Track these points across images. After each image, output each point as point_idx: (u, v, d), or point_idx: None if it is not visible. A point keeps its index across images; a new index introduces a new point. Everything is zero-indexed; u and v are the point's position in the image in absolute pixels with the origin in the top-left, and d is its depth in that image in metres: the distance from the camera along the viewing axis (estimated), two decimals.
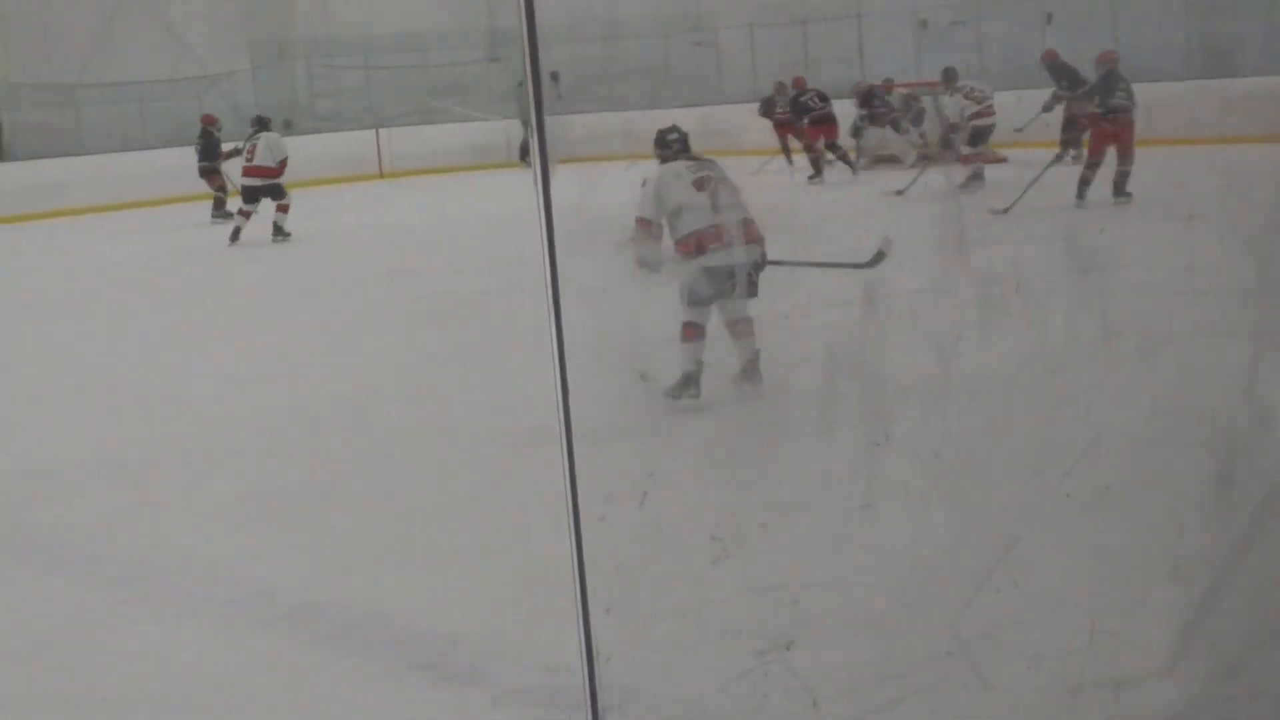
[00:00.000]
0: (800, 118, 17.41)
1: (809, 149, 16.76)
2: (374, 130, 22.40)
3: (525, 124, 23.64)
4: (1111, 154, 11.79)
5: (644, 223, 6.56)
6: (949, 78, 15.77)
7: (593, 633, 2.52)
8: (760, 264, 6.43)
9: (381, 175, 21.24)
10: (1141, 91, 13.38)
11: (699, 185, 6.65)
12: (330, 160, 19.68)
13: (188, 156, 18.85)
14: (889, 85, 16.94)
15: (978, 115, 14.95)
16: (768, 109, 18.28)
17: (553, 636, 3.84)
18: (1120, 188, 11.47)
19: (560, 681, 3.57)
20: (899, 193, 11.72)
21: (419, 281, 11.31)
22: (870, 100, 17.20)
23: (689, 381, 6.00)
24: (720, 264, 6.41)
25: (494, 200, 17.53)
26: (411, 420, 6.80)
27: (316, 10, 24.32)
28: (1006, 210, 10.83)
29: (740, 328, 6.36)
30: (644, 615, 2.78)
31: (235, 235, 15.01)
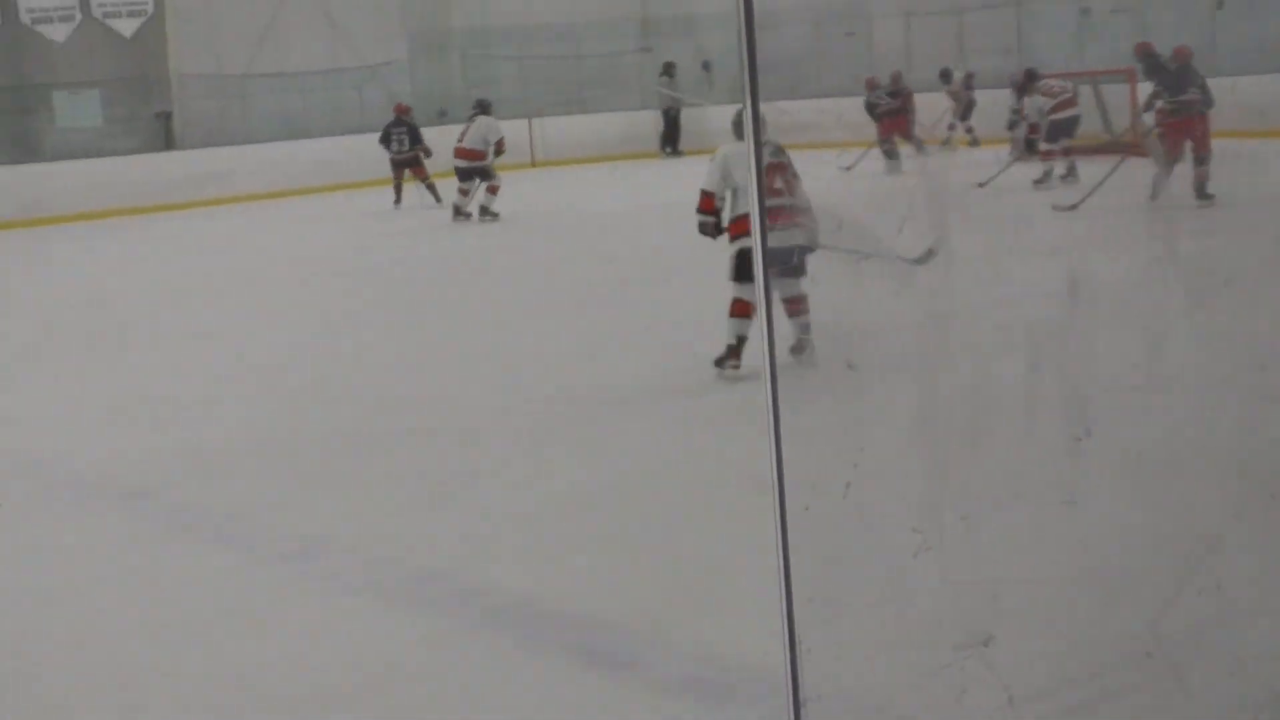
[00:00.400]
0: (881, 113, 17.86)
1: (880, 143, 17.22)
2: (526, 119, 22.61)
3: (665, 114, 23.68)
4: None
5: (707, 195, 7.21)
6: (1030, 77, 15.70)
7: (795, 623, 2.50)
8: (809, 248, 6.62)
9: (533, 164, 21.44)
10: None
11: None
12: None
13: (352, 145, 19.28)
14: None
15: (1056, 109, 14.77)
16: (870, 107, 18.59)
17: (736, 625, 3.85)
18: (1201, 189, 11.11)
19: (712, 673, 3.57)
20: (981, 185, 11.68)
21: (575, 267, 11.41)
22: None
23: (731, 353, 6.89)
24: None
25: (642, 189, 17.64)
26: (582, 402, 6.87)
27: (473, 2, 24.63)
28: (1073, 207, 10.65)
29: (792, 306, 6.84)
30: (845, 606, 2.75)
31: (456, 212, 15.69)
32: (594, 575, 4.48)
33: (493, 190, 15.59)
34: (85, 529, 5.38)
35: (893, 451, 2.81)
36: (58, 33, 20.90)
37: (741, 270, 6.97)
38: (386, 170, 17.96)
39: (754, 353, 6.76)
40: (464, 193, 15.61)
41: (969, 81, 20.24)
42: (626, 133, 24.01)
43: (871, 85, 18.57)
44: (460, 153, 15.65)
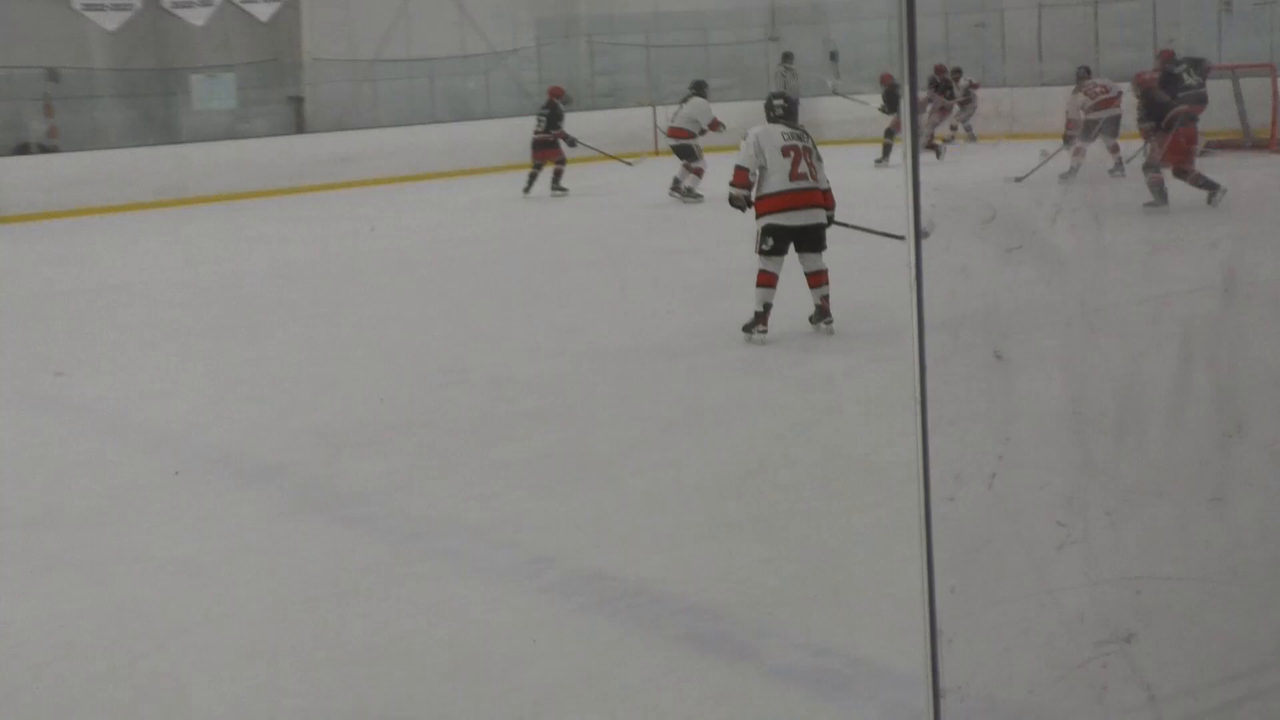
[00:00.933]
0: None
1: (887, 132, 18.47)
2: (651, 107, 22.66)
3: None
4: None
5: (740, 169, 7.99)
6: (1081, 75, 15.65)
7: (937, 613, 2.51)
8: (826, 224, 7.86)
9: (656, 152, 21.48)
10: None
11: (784, 152, 7.83)
12: (608, 137, 20.00)
13: (479, 130, 19.46)
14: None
15: (1095, 109, 14.71)
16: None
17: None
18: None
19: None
20: (1018, 179, 11.64)
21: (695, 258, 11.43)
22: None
23: (758, 319, 7.80)
24: (788, 224, 7.79)
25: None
26: (694, 392, 6.90)
27: None
28: (1020, 180, 11.40)
29: (815, 279, 7.95)
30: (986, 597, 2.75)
31: (675, 185, 15.84)
32: (719, 561, 4.50)
33: (696, 172, 15.74)
34: (217, 504, 5.53)
35: (1038, 444, 2.79)
36: (197, 17, 21.46)
37: (766, 244, 7.83)
38: (514, 156, 18.16)
39: (778, 316, 7.84)
40: (695, 171, 15.80)
41: (971, 85, 20.47)
42: (753, 121, 23.94)
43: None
44: (670, 132, 16.19)
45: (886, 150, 18.52)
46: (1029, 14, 23.26)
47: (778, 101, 8.33)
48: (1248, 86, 17.40)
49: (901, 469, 3.79)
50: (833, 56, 24.72)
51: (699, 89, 16.27)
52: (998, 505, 2.68)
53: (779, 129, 8.00)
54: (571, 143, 17.09)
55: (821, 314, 7.93)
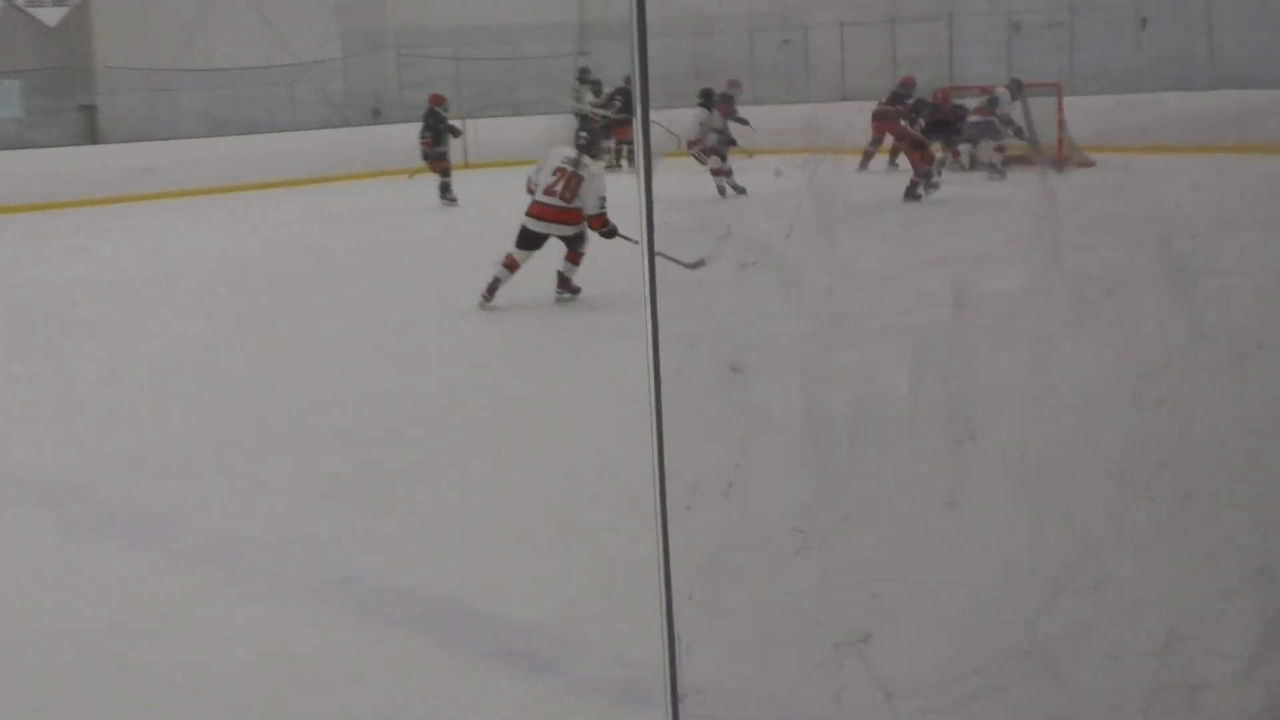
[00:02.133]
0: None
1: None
2: (460, 120, 22.57)
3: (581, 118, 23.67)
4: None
5: (529, 185, 9.85)
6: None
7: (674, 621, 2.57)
8: (583, 237, 9.73)
9: (467, 165, 21.38)
10: (1238, 98, 13.39)
11: (554, 172, 9.63)
12: (418, 150, 19.85)
13: (284, 142, 19.09)
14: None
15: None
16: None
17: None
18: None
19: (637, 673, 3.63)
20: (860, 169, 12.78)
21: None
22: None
23: (489, 289, 9.64)
24: (532, 228, 9.71)
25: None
26: (505, 407, 6.91)
27: (409, 1, 24.58)
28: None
29: (565, 267, 9.90)
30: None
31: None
32: (527, 575, 4.53)
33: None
34: (9, 528, 5.34)
35: (775, 453, 2.89)
36: None
37: (522, 239, 9.74)
38: (322, 168, 17.90)
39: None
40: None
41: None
42: (561, 136, 24.03)
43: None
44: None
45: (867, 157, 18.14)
46: (832, 31, 23.86)
47: (582, 134, 10.03)
48: (1036, 105, 18.16)
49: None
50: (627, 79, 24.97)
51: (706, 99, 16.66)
52: (735, 513, 2.76)
53: (563, 151, 9.80)
54: (456, 133, 16.94)
55: (562, 282, 9.93)
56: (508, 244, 9.67)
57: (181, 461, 6.16)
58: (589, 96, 22.23)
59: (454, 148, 17.36)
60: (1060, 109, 18.29)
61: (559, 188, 9.62)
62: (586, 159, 9.70)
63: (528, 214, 9.76)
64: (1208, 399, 3.65)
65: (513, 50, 25.19)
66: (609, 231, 9.66)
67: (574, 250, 9.91)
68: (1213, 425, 3.71)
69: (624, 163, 20.57)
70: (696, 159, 16.27)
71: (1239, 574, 3.75)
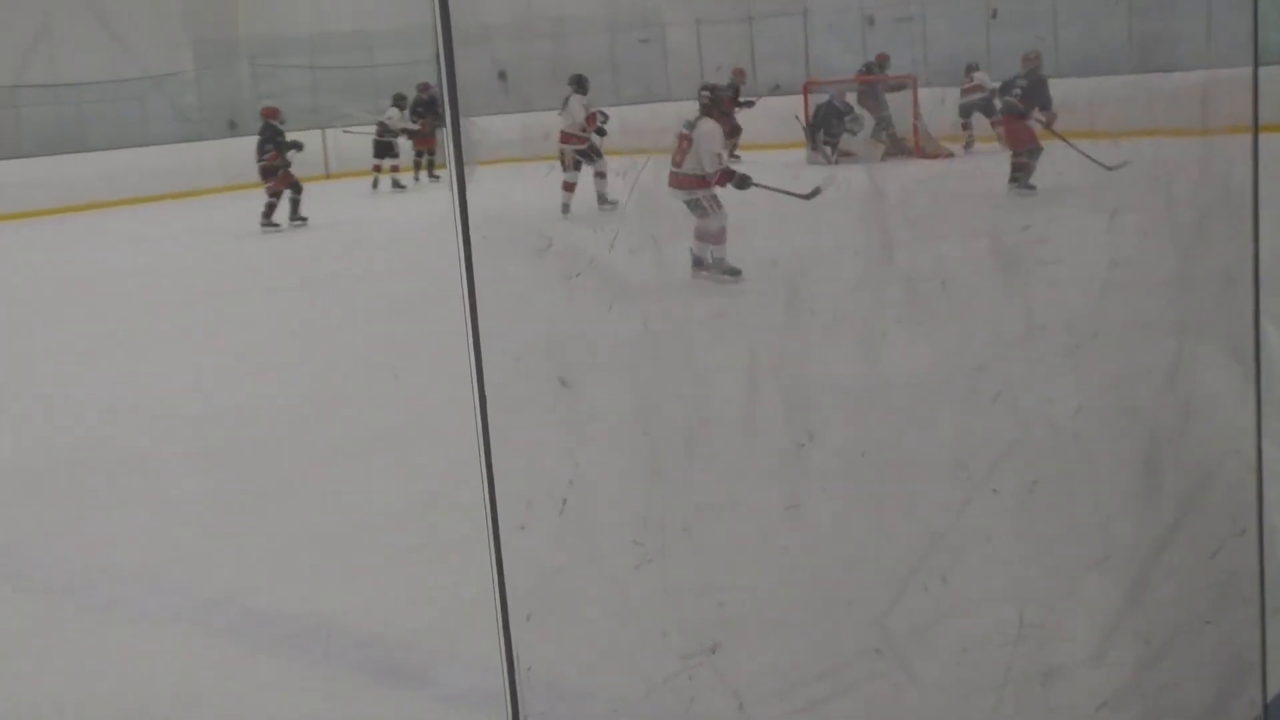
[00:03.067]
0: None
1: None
2: (320, 130, 22.23)
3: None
4: None
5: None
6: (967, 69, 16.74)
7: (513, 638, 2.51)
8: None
9: (328, 176, 21.09)
10: (1080, 87, 13.75)
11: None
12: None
13: (136, 158, 18.58)
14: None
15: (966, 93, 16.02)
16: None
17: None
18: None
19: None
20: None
21: (363, 283, 11.27)
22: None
23: None
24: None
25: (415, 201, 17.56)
26: (366, 420, 6.79)
27: (261, 9, 24.13)
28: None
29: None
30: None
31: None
32: (396, 590, 4.45)
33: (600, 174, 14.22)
34: None
35: (610, 466, 2.85)
36: None
37: None
38: (176, 183, 17.49)
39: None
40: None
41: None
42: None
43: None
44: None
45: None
46: (689, 29, 23.98)
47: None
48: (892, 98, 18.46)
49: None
50: (501, 76, 24.82)
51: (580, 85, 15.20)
52: (572, 529, 2.72)
53: None
54: (298, 147, 16.31)
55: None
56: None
57: (28, 487, 5.96)
58: (390, 108, 21.73)
59: (302, 160, 16.92)
60: (915, 101, 18.62)
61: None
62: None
63: None
64: (1045, 389, 3.71)
65: (368, 58, 24.89)
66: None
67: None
68: (1052, 415, 3.77)
69: (422, 175, 20.26)
70: (576, 158, 14.45)
71: (1085, 560, 3.81)
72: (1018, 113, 12.87)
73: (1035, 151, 12.11)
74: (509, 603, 2.51)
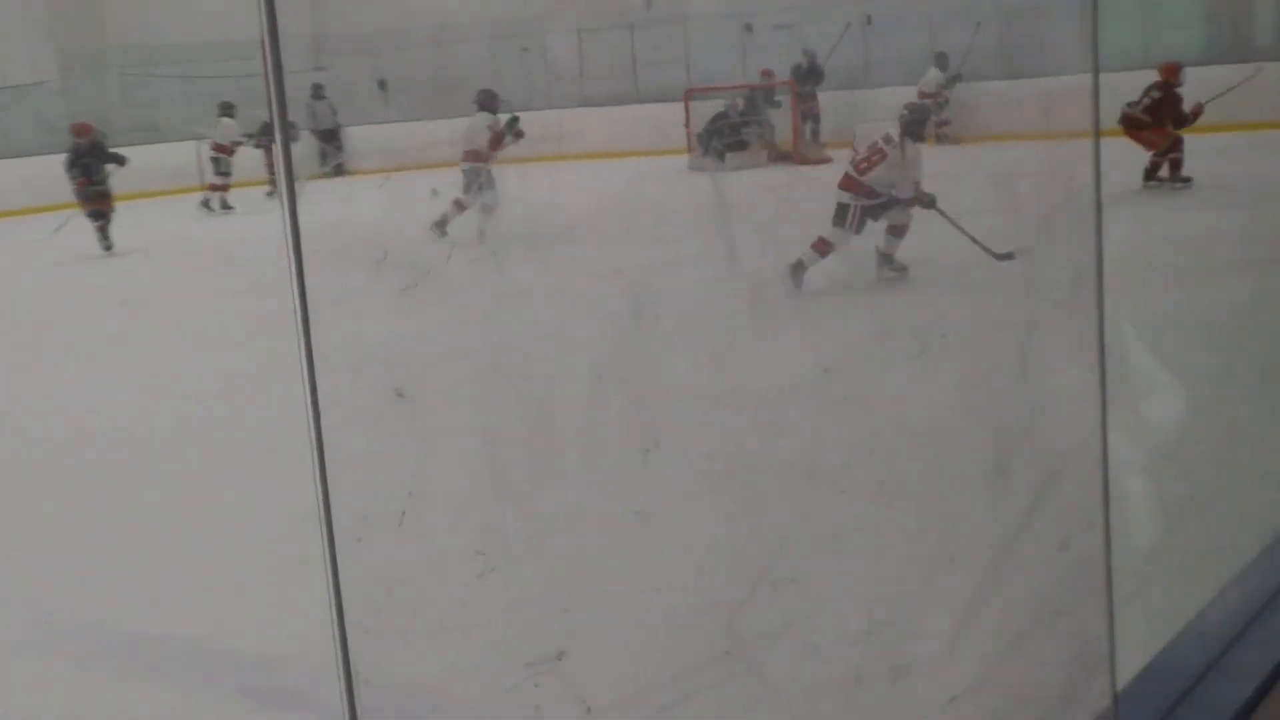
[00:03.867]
0: None
1: None
2: (195, 141, 21.83)
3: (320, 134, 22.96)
4: None
5: None
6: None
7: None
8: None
9: (203, 186, 20.70)
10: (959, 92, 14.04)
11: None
12: (150, 172, 19.11)
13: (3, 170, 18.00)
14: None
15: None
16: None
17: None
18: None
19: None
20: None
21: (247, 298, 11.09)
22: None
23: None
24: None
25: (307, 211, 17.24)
26: (239, 436, 6.68)
27: (130, 17, 23.64)
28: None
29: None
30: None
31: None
32: (277, 609, 4.36)
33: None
34: None
35: (452, 478, 2.85)
36: None
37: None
38: (41, 197, 17.02)
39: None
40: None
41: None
42: (304, 151, 23.49)
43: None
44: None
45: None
46: (570, 38, 24.01)
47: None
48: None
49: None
50: (381, 85, 24.63)
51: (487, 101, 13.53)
52: (411, 542, 2.71)
53: None
54: (122, 160, 15.50)
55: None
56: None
57: None
58: (221, 118, 20.87)
59: (177, 171, 16.31)
60: (794, 107, 18.84)
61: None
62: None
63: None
64: (893, 391, 3.78)
65: (246, 66, 24.47)
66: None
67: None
68: (900, 416, 3.84)
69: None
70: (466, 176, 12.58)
71: (935, 557, 3.89)
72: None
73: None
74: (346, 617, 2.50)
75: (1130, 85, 12.16)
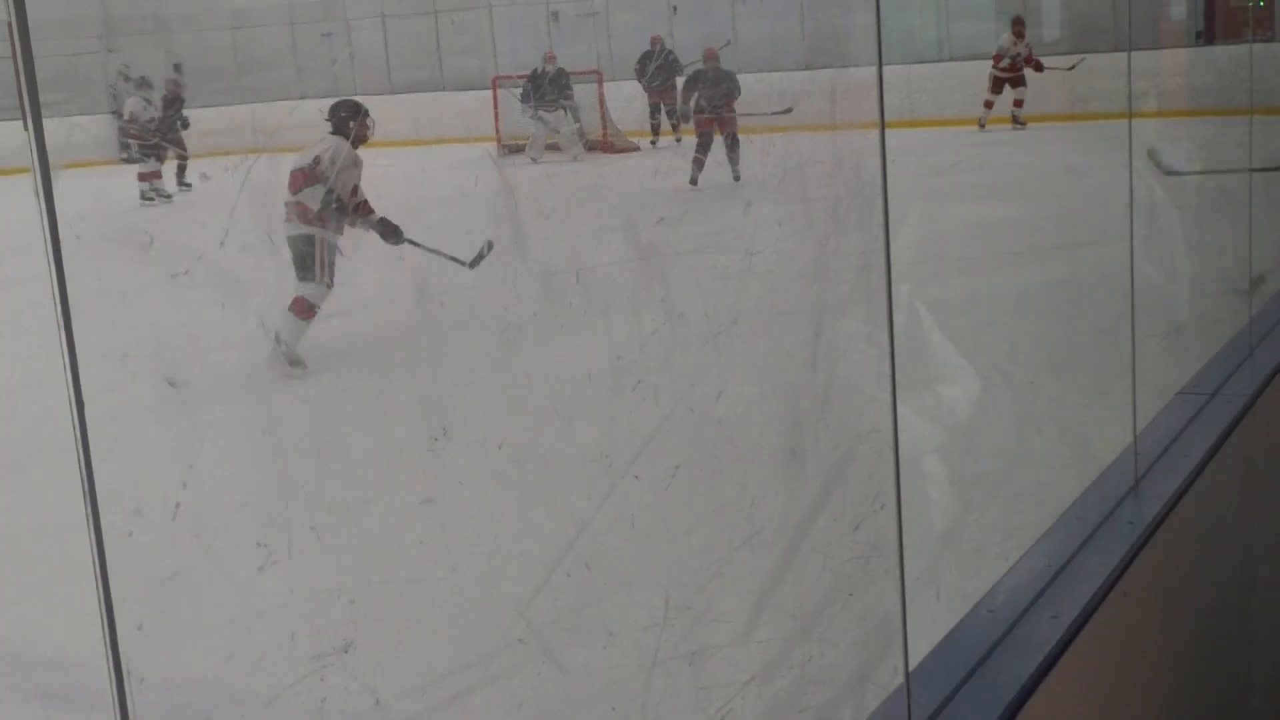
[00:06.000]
0: None
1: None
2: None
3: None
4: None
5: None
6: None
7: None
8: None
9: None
10: (758, 82, 14.22)
11: None
12: None
13: None
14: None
15: None
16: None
17: None
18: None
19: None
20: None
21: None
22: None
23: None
24: None
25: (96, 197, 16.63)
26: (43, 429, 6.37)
27: None
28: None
29: None
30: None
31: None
32: (67, 608, 4.15)
33: None
34: None
35: (230, 468, 2.77)
36: None
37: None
38: None
39: None
40: None
41: None
42: (95, 137, 22.59)
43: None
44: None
45: None
46: (375, 24, 23.63)
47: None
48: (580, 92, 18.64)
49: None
50: (176, 68, 23.87)
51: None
52: (187, 534, 2.62)
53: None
54: None
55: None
56: None
57: None
58: (132, 98, 20.39)
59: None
60: (601, 96, 18.86)
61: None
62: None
63: None
64: (686, 376, 3.80)
65: (35, 49, 23.46)
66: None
67: None
68: (693, 400, 3.87)
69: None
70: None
71: (731, 540, 3.92)
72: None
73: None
74: (116, 613, 2.41)
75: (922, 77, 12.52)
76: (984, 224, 9.60)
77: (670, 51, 18.89)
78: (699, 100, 13.05)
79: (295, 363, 6.06)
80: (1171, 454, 2.65)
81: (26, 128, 2.41)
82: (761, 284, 4.02)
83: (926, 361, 5.24)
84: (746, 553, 3.86)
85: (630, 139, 17.24)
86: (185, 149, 15.51)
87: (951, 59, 19.59)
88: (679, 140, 16.42)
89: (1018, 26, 17.48)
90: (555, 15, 22.21)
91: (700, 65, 13.97)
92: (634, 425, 3.52)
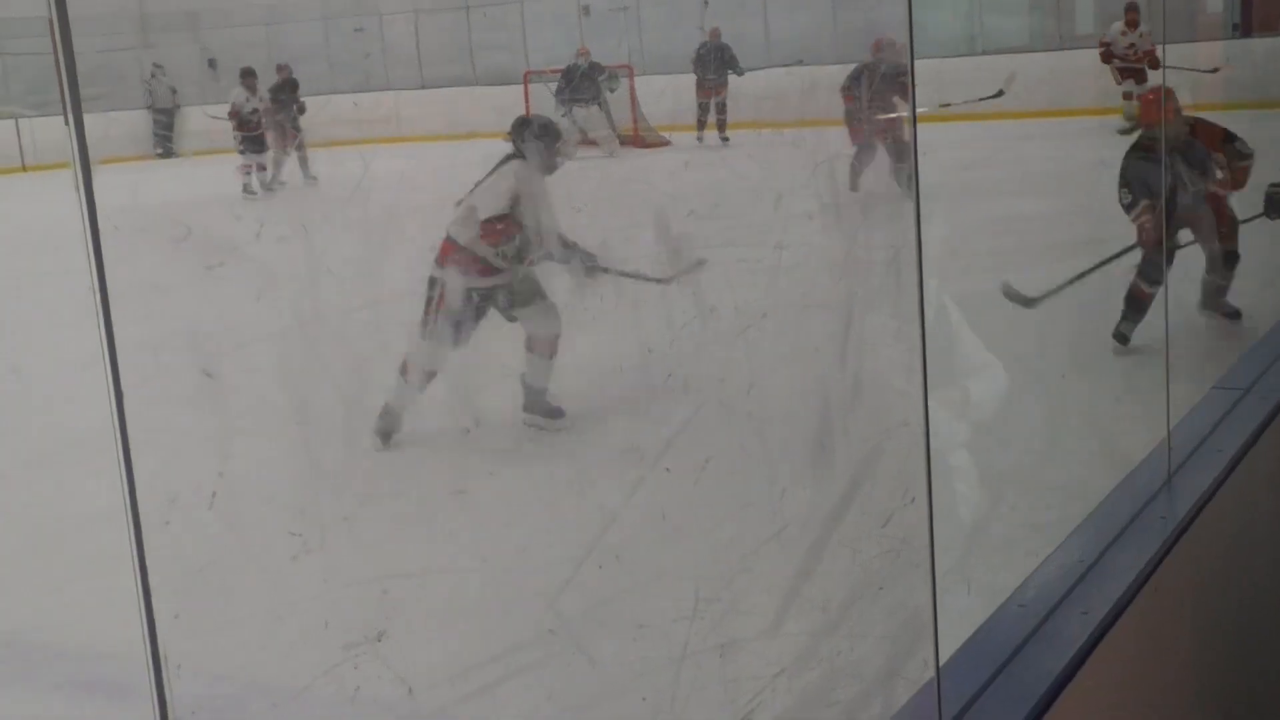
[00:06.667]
0: None
1: None
2: (13, 120, 21.04)
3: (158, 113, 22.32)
4: None
5: None
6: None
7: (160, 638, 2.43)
8: None
9: (25, 168, 19.97)
10: (799, 75, 14.14)
11: None
12: None
13: None
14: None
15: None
16: None
17: None
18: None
19: None
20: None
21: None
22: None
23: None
24: None
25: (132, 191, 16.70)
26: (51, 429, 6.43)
27: None
28: None
29: None
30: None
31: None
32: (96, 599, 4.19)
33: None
34: None
35: (263, 459, 2.79)
36: None
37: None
38: None
39: None
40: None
41: None
42: (130, 133, 22.74)
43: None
44: None
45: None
46: (406, 19, 23.68)
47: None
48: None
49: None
50: (211, 64, 24.00)
51: None
52: (222, 524, 2.65)
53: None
54: None
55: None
56: None
57: None
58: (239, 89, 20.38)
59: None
60: (633, 91, 18.84)
61: None
62: None
63: None
64: (717, 369, 3.81)
65: (35, 44, 23.59)
66: None
67: None
68: (723, 394, 3.87)
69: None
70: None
71: (760, 534, 3.93)
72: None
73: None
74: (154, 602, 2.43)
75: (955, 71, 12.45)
76: (1014, 219, 9.56)
77: (728, 46, 18.45)
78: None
79: (553, 414, 4.35)
80: (1205, 449, 2.64)
81: (67, 122, 2.45)
82: (791, 278, 4.02)
83: (955, 356, 5.23)
84: (776, 546, 3.85)
85: (661, 134, 17.21)
86: (300, 135, 15.36)
87: (984, 53, 19.48)
88: (726, 139, 16.19)
89: (1131, 15, 14.95)
90: (586, 9, 22.19)
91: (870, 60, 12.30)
92: (664, 418, 3.52)
